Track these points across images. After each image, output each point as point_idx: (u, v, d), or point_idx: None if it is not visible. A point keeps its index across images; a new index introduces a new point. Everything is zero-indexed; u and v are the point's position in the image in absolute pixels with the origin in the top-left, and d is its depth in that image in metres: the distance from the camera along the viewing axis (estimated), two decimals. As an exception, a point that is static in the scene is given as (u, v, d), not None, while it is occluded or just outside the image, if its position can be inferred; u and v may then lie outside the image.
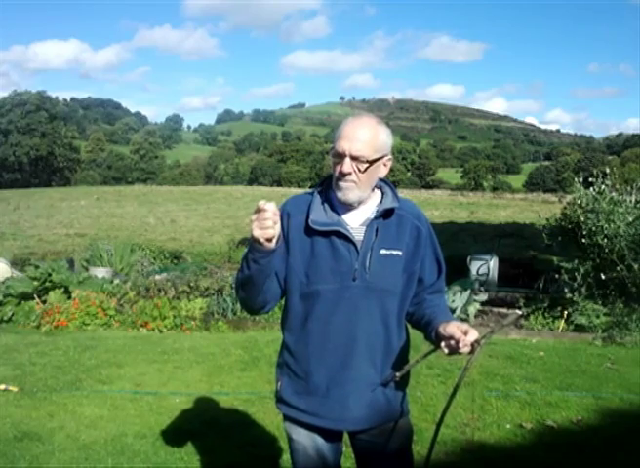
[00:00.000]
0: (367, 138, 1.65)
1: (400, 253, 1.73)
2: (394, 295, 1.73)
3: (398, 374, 1.70)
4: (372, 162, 1.66)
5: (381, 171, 1.74)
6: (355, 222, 1.74)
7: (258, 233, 1.52)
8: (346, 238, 1.70)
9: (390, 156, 1.74)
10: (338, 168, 1.68)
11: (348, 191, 1.69)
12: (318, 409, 1.73)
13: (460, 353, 1.54)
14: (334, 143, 1.69)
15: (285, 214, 1.76)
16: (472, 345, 1.52)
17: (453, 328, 1.56)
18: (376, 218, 1.73)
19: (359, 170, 1.66)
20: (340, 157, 1.66)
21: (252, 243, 1.57)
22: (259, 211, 1.51)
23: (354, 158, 1.65)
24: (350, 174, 1.66)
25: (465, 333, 1.52)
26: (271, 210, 1.51)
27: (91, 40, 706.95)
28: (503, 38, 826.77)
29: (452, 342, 1.54)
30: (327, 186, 1.79)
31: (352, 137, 1.65)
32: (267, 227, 1.51)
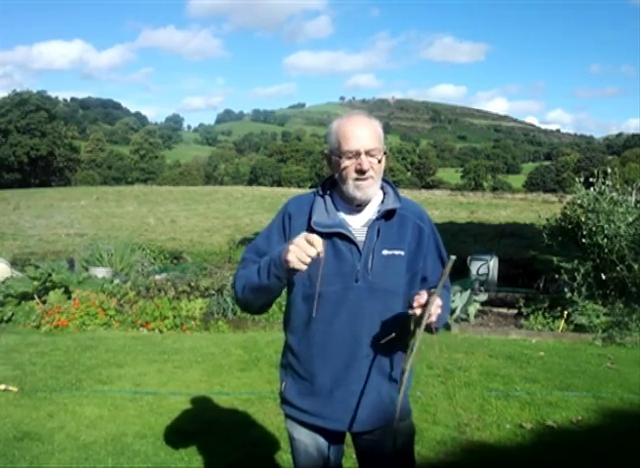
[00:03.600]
0: (371, 133, 1.69)
1: (402, 253, 1.73)
2: (397, 296, 1.73)
3: (407, 368, 1.65)
4: (385, 153, 1.72)
5: (384, 161, 1.77)
6: (357, 223, 1.74)
7: (295, 263, 1.52)
8: (348, 239, 1.70)
9: (385, 146, 1.78)
10: (352, 168, 1.68)
11: (368, 188, 1.71)
12: (322, 409, 1.73)
13: (421, 321, 1.54)
14: (338, 147, 1.69)
15: (287, 216, 1.76)
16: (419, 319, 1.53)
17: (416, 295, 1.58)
18: (377, 219, 1.73)
19: (377, 161, 1.69)
20: (354, 156, 1.67)
21: (280, 261, 1.57)
22: (309, 242, 1.52)
23: (368, 152, 1.67)
24: (369, 169, 1.68)
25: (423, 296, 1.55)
26: (320, 250, 1.52)
27: (95, 41, 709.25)
28: (506, 39, 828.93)
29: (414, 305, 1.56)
30: (328, 187, 1.80)
31: (359, 135, 1.67)
32: (306, 263, 1.53)
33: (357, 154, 1.66)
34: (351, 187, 1.70)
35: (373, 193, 1.73)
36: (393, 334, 1.70)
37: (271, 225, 1.83)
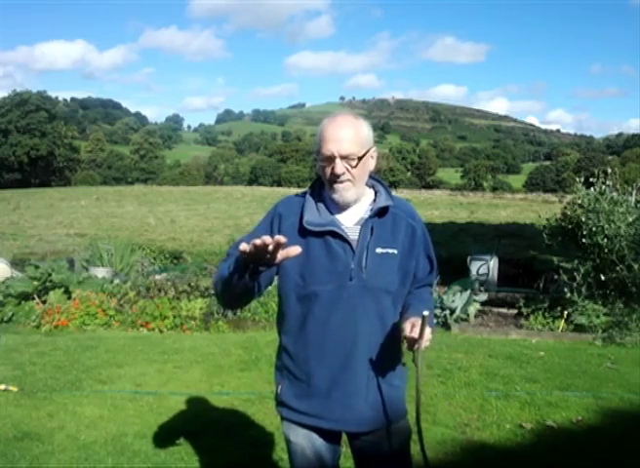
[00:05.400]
0: (351, 136, 1.66)
1: (395, 251, 1.73)
2: (390, 294, 1.73)
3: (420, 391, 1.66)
4: (361, 157, 1.67)
5: (370, 164, 1.74)
6: (349, 222, 1.74)
7: (243, 247, 1.40)
8: (341, 238, 1.69)
9: (375, 148, 1.75)
10: (329, 171, 1.68)
11: (345, 192, 1.69)
12: (320, 410, 1.72)
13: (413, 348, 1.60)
14: (318, 148, 1.69)
15: (277, 216, 1.76)
16: (412, 343, 1.58)
17: (406, 322, 1.62)
18: (370, 217, 1.73)
19: (351, 166, 1.67)
20: (330, 160, 1.67)
21: (241, 261, 1.48)
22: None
23: (344, 157, 1.65)
24: (344, 173, 1.66)
25: (412, 327, 1.58)
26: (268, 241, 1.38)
27: (97, 41, 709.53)
28: (507, 39, 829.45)
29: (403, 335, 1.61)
30: (319, 187, 1.80)
31: (337, 138, 1.65)
32: (254, 249, 1.39)
33: (332, 158, 1.66)
34: (328, 189, 1.71)
35: (351, 196, 1.71)
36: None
37: (259, 225, 1.83)
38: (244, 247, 1.39)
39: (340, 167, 1.65)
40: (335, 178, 1.67)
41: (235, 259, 1.52)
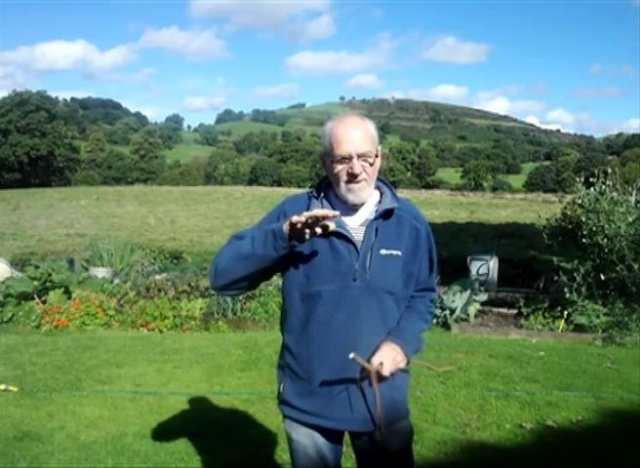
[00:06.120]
0: (362, 135, 1.68)
1: (399, 253, 1.74)
2: (393, 295, 1.74)
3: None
4: (377, 155, 1.70)
5: (379, 162, 1.76)
6: (354, 223, 1.74)
7: (295, 219, 1.54)
8: (346, 238, 1.70)
9: (381, 147, 1.77)
10: (345, 171, 1.68)
11: (361, 191, 1.70)
12: (322, 409, 1.72)
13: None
14: (331, 151, 1.69)
15: (283, 214, 1.76)
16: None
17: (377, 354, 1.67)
18: (375, 219, 1.73)
19: (369, 165, 1.68)
20: (346, 160, 1.67)
21: (281, 230, 1.60)
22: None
23: (360, 156, 1.66)
24: (361, 173, 1.67)
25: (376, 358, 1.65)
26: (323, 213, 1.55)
27: (97, 41, 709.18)
28: (507, 39, 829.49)
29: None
30: (325, 187, 1.80)
31: (351, 138, 1.66)
32: (307, 224, 1.56)
33: (349, 158, 1.66)
34: (344, 190, 1.71)
35: (366, 195, 1.73)
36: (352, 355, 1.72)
37: (264, 219, 1.83)
38: (296, 218, 1.53)
39: (358, 166, 1.66)
40: (352, 178, 1.68)
41: (265, 235, 1.63)
